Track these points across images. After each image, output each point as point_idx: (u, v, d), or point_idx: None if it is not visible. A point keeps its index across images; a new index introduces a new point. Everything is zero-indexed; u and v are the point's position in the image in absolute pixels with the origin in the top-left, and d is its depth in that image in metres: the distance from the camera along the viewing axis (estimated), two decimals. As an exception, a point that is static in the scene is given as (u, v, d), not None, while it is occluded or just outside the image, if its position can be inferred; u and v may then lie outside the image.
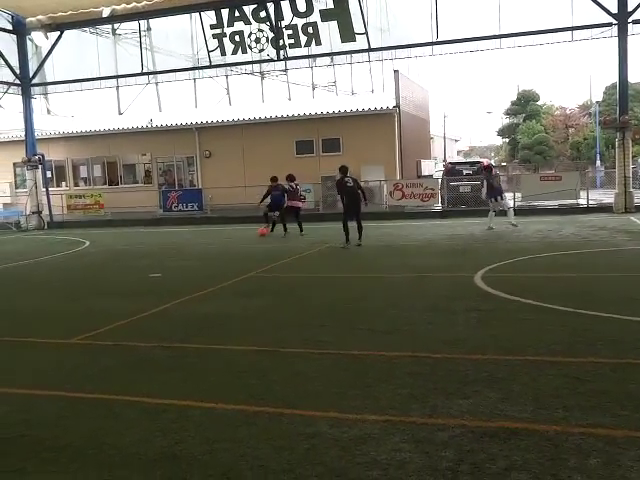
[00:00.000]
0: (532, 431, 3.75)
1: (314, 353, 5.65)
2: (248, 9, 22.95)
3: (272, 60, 23.54)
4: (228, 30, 23.33)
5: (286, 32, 22.80)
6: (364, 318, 7.03)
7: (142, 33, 25.10)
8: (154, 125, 29.47)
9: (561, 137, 51.20)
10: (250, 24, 23.14)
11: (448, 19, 21.09)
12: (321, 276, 10.56)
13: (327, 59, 24.15)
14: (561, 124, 51.76)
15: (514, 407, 4.15)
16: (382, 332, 6.35)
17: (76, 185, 30.73)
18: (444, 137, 51.48)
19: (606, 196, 22.77)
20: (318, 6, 22.32)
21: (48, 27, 24.50)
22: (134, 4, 23.25)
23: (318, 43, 22.56)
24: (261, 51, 23.34)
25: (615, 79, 21.37)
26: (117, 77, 26.20)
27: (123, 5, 23.39)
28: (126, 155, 30.04)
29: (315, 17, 22.39)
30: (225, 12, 23.20)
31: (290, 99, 31.21)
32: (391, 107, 26.12)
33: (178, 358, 5.80)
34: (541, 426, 3.82)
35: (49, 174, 27.52)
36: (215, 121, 28.32)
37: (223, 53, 23.77)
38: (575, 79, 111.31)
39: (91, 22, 24.97)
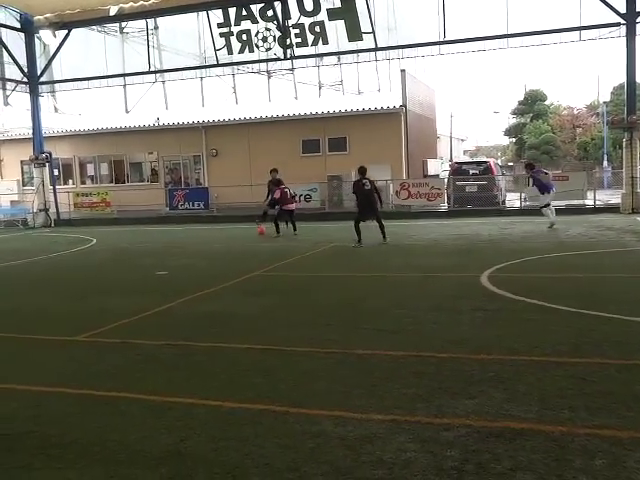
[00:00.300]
0: (537, 431, 3.75)
1: (319, 352, 5.65)
2: (255, 8, 23.02)
3: (279, 59, 23.58)
4: (235, 29, 23.40)
5: (293, 31, 22.84)
6: (369, 317, 7.03)
7: (149, 31, 25.21)
8: (161, 123, 29.51)
9: (568, 137, 50.92)
10: (257, 23, 23.20)
11: (455, 18, 21.10)
12: (326, 275, 10.56)
13: (334, 58, 24.16)
14: (568, 124, 51.46)
15: (520, 407, 4.14)
16: (387, 331, 6.35)
17: (83, 183, 30.85)
18: (450, 137, 51.34)
19: (613, 196, 22.69)
20: (325, 5, 22.35)
21: (56, 25, 24.57)
22: (142, 2, 23.31)
23: (325, 42, 22.60)
24: (268, 50, 23.38)
25: (623, 79, 21.33)
26: (124, 75, 26.29)
27: (131, 4, 23.45)
28: (133, 153, 30.10)
29: (322, 16, 22.43)
30: (232, 11, 23.27)
31: (297, 98, 31.17)
32: (398, 106, 26.07)
33: (183, 356, 5.81)
34: (547, 427, 3.81)
35: (56, 172, 27.63)
36: (222, 120, 28.29)
37: (230, 52, 23.83)
38: (583, 79, 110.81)
39: (99, 20, 25.09)
